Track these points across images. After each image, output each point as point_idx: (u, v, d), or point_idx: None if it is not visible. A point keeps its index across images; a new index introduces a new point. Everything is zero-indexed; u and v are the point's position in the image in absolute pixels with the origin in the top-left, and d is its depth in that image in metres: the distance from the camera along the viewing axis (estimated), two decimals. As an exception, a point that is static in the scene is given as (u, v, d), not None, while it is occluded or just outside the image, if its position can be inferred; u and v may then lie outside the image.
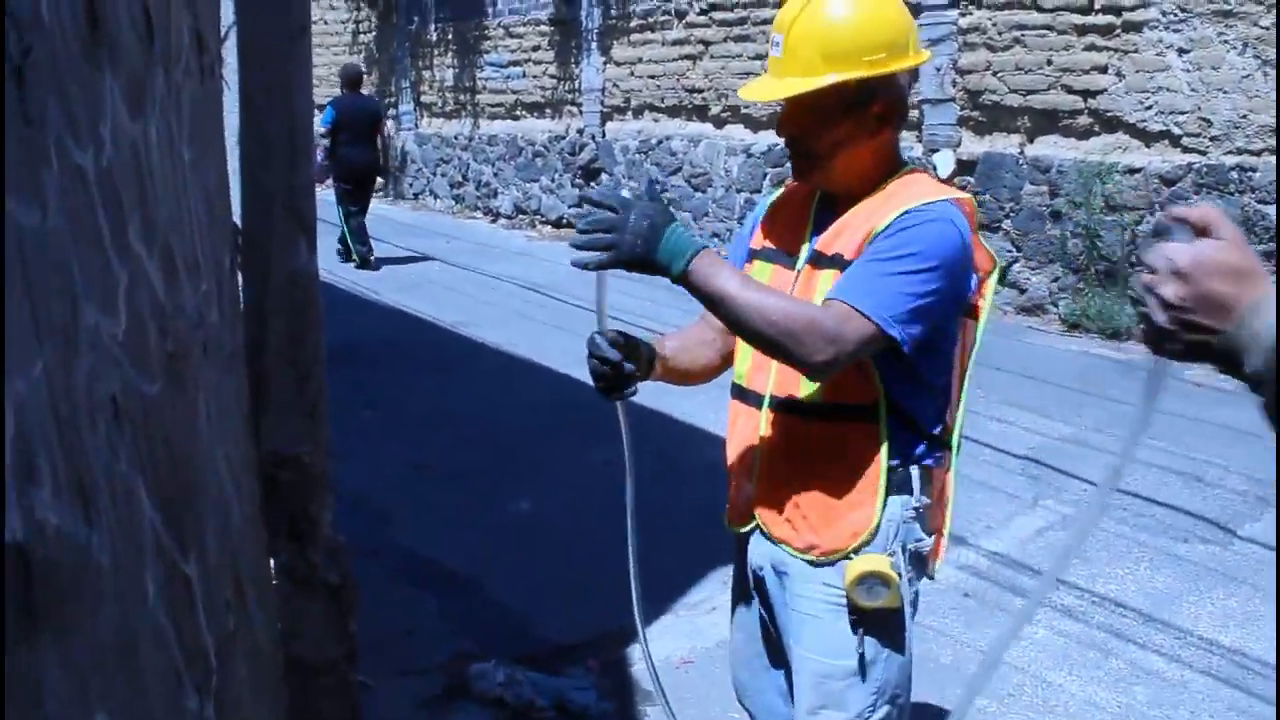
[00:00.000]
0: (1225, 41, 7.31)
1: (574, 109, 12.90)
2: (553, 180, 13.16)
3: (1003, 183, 8.58)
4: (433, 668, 3.48)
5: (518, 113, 13.84)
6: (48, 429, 0.92)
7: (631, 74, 11.98)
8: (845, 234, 2.06)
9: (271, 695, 1.94)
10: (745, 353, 2.19)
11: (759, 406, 2.16)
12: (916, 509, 2.09)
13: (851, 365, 1.96)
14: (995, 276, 2.16)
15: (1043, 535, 4.65)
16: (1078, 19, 8.02)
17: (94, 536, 1.00)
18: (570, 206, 12.73)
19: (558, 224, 12.99)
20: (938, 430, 2.12)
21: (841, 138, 2.05)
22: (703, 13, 10.95)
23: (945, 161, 8.93)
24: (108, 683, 1.03)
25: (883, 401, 2.04)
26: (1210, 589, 4.10)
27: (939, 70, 8.91)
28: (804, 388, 2.07)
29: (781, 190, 2.30)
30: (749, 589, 2.29)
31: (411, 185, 15.63)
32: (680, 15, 11.22)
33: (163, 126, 1.43)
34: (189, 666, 1.33)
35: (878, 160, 2.09)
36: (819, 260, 2.07)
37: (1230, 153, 7.35)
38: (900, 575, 2.05)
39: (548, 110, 13.37)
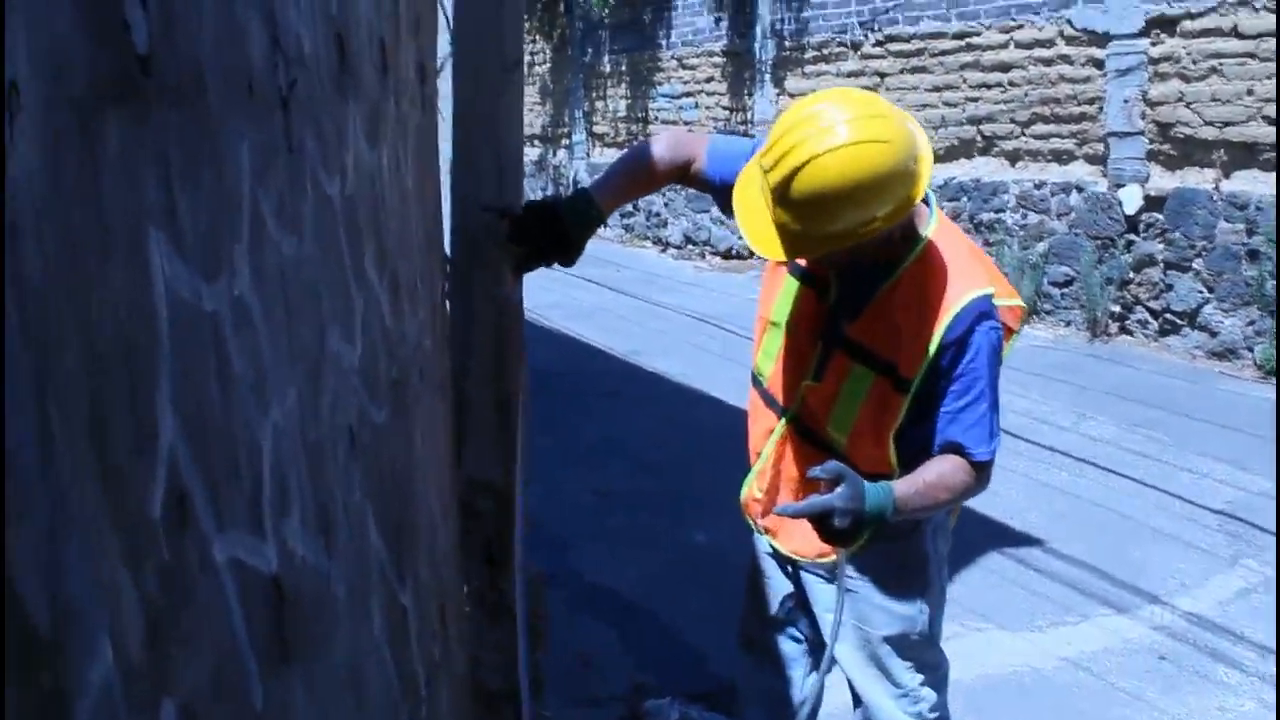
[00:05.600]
0: None
1: (753, 139, 12.89)
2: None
3: (1194, 220, 8.20)
4: (608, 699, 3.46)
5: (688, 143, 13.91)
6: (298, 458, 0.92)
7: (805, 105, 11.90)
8: (886, 331, 2.16)
9: (466, 724, 1.94)
10: (768, 353, 2.36)
11: (778, 415, 2.36)
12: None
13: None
14: (1017, 334, 2.32)
15: (1245, 597, 4.37)
16: (1283, 48, 7.63)
17: (333, 567, 1.00)
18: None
19: (727, 255, 12.98)
20: None
21: (866, 258, 2.12)
22: (878, 44, 10.83)
23: (1131, 198, 8.60)
24: (343, 711, 1.02)
25: (896, 472, 2.20)
26: None
27: (1127, 102, 8.59)
28: (830, 431, 2.25)
29: None
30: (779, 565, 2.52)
31: (581, 214, 15.84)
32: (855, 46, 11.11)
33: (392, 155, 1.45)
34: (405, 696, 1.33)
35: (904, 243, 2.16)
36: (855, 351, 2.19)
37: None
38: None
39: (719, 141, 13.40)
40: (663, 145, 2.37)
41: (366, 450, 1.18)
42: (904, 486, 2.08)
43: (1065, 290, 9.18)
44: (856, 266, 2.16)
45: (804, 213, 1.97)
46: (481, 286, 2.08)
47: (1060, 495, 5.44)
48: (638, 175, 2.39)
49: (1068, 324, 9.11)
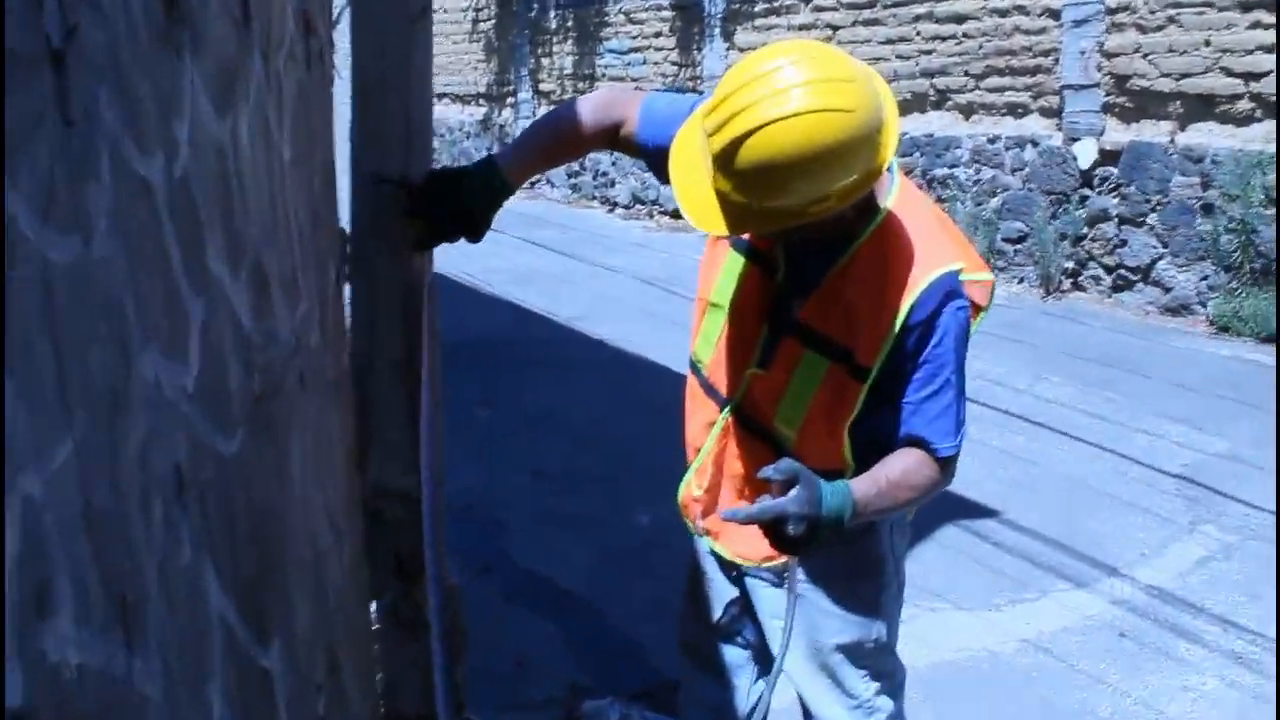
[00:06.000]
0: (1407, 23, 6.73)
1: (696, 96, 12.61)
2: (671, 168, 12.87)
3: (1149, 174, 8.06)
4: (543, 702, 3.24)
5: (636, 99, 13.60)
6: (74, 534, 0.69)
7: (754, 60, 11.63)
8: (841, 314, 1.94)
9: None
10: (707, 338, 2.11)
11: (719, 406, 2.13)
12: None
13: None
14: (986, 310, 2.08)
15: (1205, 566, 4.24)
16: (1242, -4, 7.46)
17: (136, 662, 0.77)
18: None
19: (675, 214, 12.72)
20: None
21: (819, 233, 1.88)
22: (830, -4, 10.58)
23: (1086, 152, 8.44)
24: None
25: (850, 468, 2.01)
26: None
27: (1083, 54, 8.41)
28: (778, 425, 2.02)
29: None
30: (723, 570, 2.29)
31: (528, 172, 15.47)
32: (807, -1, 10.86)
33: (258, 123, 1.21)
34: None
35: (862, 216, 1.92)
36: (807, 336, 1.97)
37: None
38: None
39: (667, 97, 13.10)
40: (589, 106, 2.10)
41: (203, 493, 0.96)
42: (864, 486, 1.86)
43: (1019, 247, 9.04)
44: (807, 242, 1.93)
45: (749, 184, 1.72)
46: (385, 267, 1.84)
47: (1016, 461, 5.29)
48: (556, 140, 2.14)
49: (1021, 280, 8.98)
